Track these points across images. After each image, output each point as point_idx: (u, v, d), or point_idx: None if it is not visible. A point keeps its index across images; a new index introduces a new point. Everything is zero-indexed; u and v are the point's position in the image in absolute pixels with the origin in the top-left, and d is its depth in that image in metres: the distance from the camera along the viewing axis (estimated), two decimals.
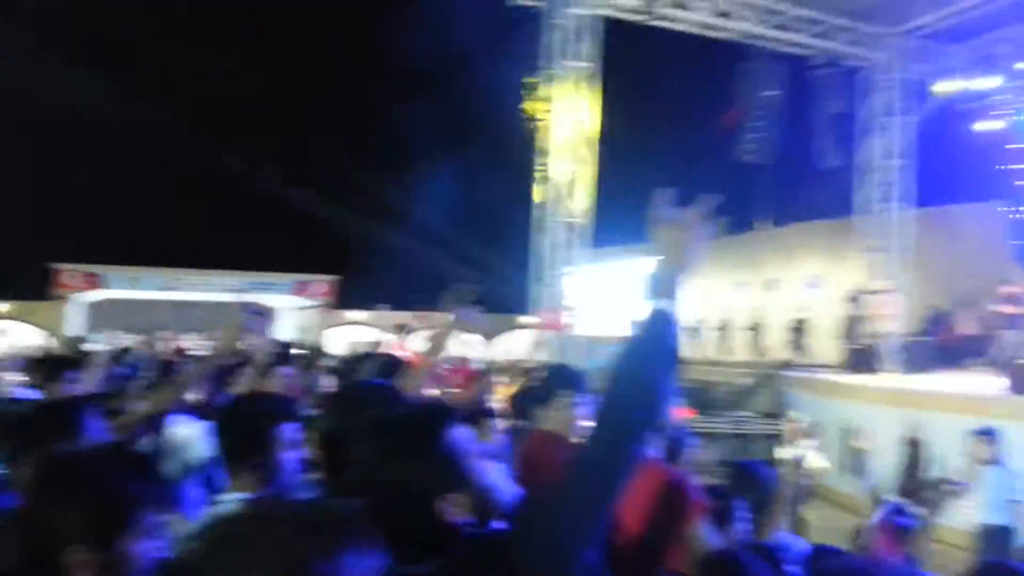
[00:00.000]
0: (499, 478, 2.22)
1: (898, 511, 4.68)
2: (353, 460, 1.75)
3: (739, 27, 14.67)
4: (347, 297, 31.43)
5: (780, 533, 3.06)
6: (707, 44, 15.38)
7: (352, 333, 27.83)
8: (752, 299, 23.19)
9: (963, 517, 7.44)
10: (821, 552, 2.82)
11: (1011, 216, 17.73)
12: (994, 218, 18.37)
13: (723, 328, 23.15)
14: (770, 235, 24.49)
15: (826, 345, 18.92)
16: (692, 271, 1.65)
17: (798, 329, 20.24)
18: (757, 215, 24.76)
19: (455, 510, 1.61)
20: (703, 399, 15.10)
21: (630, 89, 18.85)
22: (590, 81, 13.69)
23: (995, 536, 6.89)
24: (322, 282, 31.32)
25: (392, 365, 4.09)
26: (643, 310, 1.59)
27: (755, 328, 22.12)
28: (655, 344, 1.55)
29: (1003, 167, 17.21)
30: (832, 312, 18.27)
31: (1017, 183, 17.10)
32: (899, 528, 4.43)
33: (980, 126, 16.11)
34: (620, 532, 2.01)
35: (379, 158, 34.65)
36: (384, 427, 1.75)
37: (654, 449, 2.55)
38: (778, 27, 14.84)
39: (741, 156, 17.80)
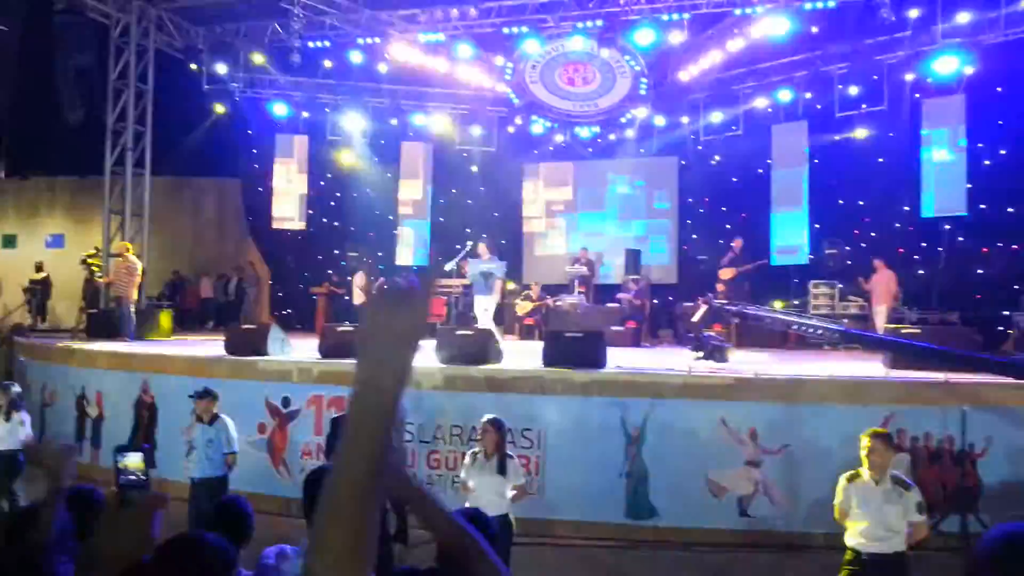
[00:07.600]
0: None
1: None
2: None
3: None
4: None
5: None
6: None
7: None
8: None
9: (186, 471, 7.99)
10: None
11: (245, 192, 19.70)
12: (232, 193, 20.16)
13: None
14: (9, 187, 22.11)
15: (68, 308, 18.20)
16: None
17: (37, 290, 18.70)
18: None
19: None
20: None
21: None
22: None
23: (211, 486, 7.54)
24: None
25: None
26: None
27: None
28: None
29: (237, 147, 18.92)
30: (74, 275, 17.61)
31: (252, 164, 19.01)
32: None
33: (218, 107, 17.27)
34: None
35: None
36: None
37: None
38: None
39: None
